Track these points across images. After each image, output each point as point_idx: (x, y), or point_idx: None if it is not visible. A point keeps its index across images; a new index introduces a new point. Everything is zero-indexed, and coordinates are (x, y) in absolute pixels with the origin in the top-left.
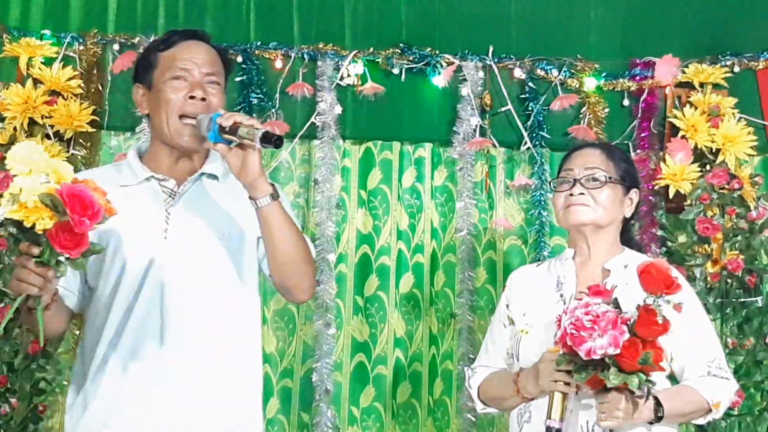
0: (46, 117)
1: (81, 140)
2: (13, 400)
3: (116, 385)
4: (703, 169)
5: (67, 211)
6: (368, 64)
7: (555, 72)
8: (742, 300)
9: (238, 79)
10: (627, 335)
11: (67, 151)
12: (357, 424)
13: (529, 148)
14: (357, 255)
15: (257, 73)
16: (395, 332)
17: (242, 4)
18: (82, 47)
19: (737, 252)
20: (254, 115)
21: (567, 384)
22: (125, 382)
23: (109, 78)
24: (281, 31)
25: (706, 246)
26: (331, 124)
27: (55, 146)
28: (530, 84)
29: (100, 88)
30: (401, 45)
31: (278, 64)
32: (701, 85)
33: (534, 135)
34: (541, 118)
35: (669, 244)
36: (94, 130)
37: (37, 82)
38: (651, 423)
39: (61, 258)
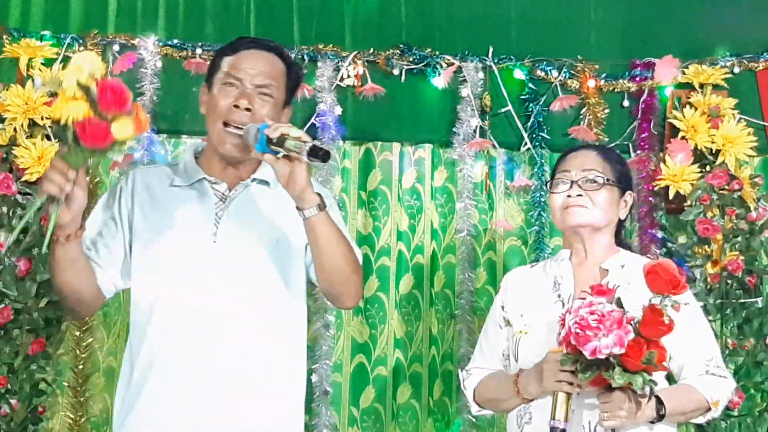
0: (47, 118)
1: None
2: (13, 401)
3: (163, 387)
4: (703, 170)
5: (99, 98)
6: (368, 64)
7: (555, 73)
8: (742, 301)
9: None
10: (632, 335)
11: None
12: (357, 425)
13: (529, 149)
14: None
15: None
16: (395, 333)
17: (242, 4)
18: (82, 48)
19: (737, 253)
20: None
21: (571, 384)
22: (172, 384)
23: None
24: (281, 32)
25: (706, 247)
26: (330, 124)
27: (55, 147)
28: (530, 85)
29: None
30: (401, 46)
31: None
32: (701, 85)
33: (534, 136)
34: (541, 119)
35: (669, 245)
36: None
37: None
38: (653, 422)
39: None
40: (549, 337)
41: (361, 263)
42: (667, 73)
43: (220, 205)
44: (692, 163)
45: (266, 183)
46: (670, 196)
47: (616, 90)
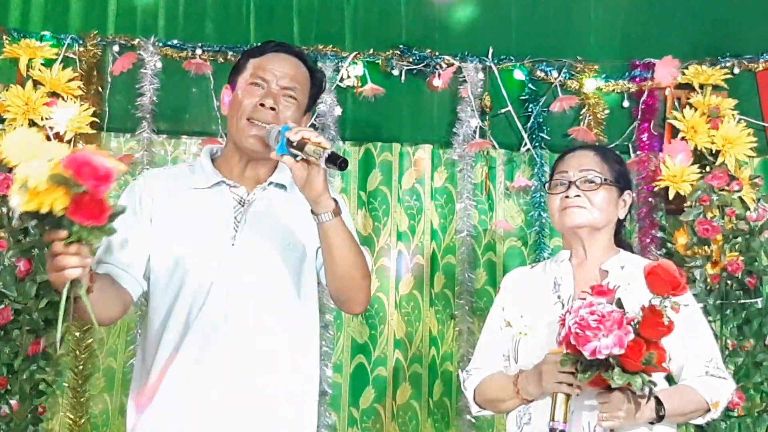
0: (47, 118)
1: (81, 142)
2: (13, 402)
3: (179, 387)
4: (703, 171)
5: (79, 181)
6: (368, 65)
7: (555, 73)
8: (742, 301)
9: None
10: (632, 335)
11: None
12: (357, 425)
13: (528, 150)
14: None
15: None
16: (395, 333)
17: (242, 5)
18: (81, 49)
19: (737, 253)
20: None
21: (570, 385)
22: (187, 386)
23: (109, 79)
24: (281, 33)
25: (706, 247)
26: (330, 125)
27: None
28: (530, 85)
29: (100, 89)
30: (401, 46)
31: None
32: (701, 86)
33: (534, 136)
34: (541, 120)
35: (669, 245)
36: (94, 131)
37: (37, 83)
38: (652, 423)
39: (90, 230)
40: (549, 338)
41: (371, 270)
42: (666, 73)
43: (239, 209)
44: (692, 164)
45: (283, 187)
46: (670, 197)
47: (616, 90)
